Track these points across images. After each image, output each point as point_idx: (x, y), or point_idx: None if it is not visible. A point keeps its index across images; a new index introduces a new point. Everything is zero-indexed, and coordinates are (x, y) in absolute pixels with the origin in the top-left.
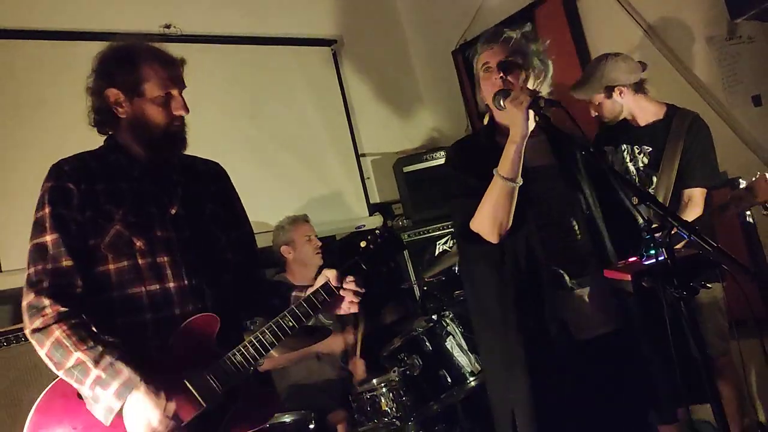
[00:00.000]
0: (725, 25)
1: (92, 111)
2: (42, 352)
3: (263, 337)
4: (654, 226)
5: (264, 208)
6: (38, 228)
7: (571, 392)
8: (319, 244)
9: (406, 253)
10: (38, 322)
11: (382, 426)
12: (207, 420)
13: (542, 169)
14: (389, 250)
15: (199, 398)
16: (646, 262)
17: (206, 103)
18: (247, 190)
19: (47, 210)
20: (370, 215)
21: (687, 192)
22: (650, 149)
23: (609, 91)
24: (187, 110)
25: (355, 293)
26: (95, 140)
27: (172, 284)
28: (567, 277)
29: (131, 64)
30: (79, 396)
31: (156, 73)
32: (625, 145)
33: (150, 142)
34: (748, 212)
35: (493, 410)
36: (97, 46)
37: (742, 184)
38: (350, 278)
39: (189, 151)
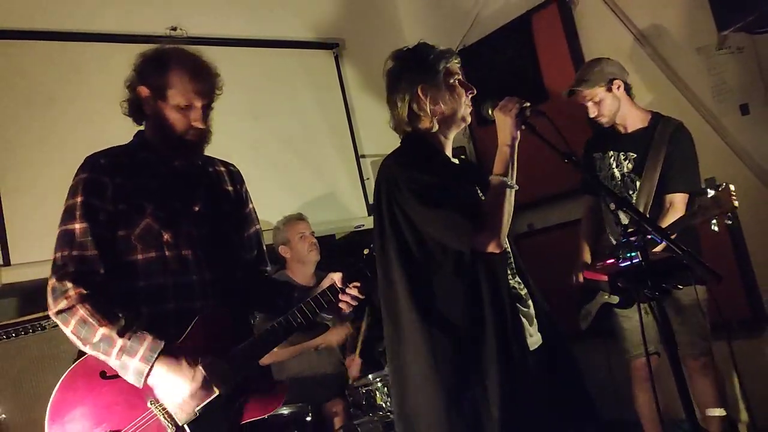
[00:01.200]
0: (715, 35)
1: (126, 102)
2: (68, 331)
3: (274, 331)
4: (630, 230)
5: (265, 207)
6: (68, 215)
7: (538, 392)
8: (314, 240)
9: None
10: (63, 304)
11: (377, 419)
12: (220, 406)
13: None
14: None
15: (214, 386)
16: (623, 264)
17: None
18: (249, 189)
19: (79, 199)
20: (369, 215)
21: (668, 197)
22: (635, 155)
23: (610, 83)
24: (204, 123)
25: (355, 298)
26: (104, 137)
27: (195, 277)
28: (517, 286)
29: (163, 68)
30: (101, 375)
31: (182, 82)
32: (612, 152)
33: (168, 143)
34: (714, 221)
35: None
36: (105, 47)
37: (710, 193)
38: (355, 283)
39: None
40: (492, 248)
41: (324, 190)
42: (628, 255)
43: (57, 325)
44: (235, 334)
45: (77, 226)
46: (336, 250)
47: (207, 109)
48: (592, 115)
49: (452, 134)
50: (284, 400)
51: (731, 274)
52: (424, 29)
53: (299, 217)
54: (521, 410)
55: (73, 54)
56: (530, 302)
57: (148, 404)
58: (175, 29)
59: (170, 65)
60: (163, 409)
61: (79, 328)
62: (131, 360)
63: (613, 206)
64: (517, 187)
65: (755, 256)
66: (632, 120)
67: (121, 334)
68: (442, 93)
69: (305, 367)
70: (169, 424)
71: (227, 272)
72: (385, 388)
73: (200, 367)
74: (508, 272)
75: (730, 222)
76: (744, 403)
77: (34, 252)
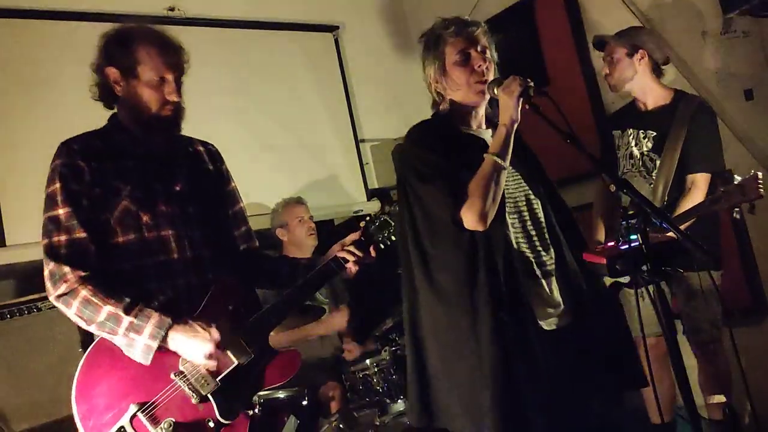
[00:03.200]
0: (720, 19)
1: (95, 86)
2: (70, 313)
3: (287, 300)
4: (630, 212)
5: (263, 191)
6: (51, 202)
7: (541, 381)
8: (312, 225)
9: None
10: (63, 288)
11: (374, 403)
12: (241, 376)
13: None
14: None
15: (232, 356)
16: (623, 247)
17: (208, 86)
18: (248, 173)
19: (58, 185)
20: (368, 200)
21: (690, 177)
22: (654, 134)
23: (633, 49)
24: (178, 96)
25: (356, 256)
26: (99, 117)
27: (175, 256)
28: (535, 265)
29: (129, 45)
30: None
31: (151, 57)
32: (631, 130)
33: (142, 122)
34: (737, 209)
35: (444, 401)
36: (101, 27)
37: (737, 179)
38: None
39: (193, 133)
40: (474, 225)
41: (323, 175)
42: (629, 237)
43: (53, 307)
44: (245, 305)
45: (61, 211)
46: (335, 236)
47: (179, 82)
48: (603, 72)
49: (475, 108)
50: (299, 364)
51: (733, 261)
52: (426, 12)
53: (298, 201)
54: (516, 385)
55: (67, 34)
56: (550, 279)
57: (172, 376)
58: (173, 9)
59: (136, 42)
60: (187, 380)
61: (82, 309)
62: (139, 337)
63: (613, 188)
64: (510, 168)
65: (757, 244)
66: (653, 97)
67: (127, 312)
68: (445, 77)
69: (302, 351)
70: (193, 395)
71: (216, 250)
72: (382, 373)
73: (214, 328)
74: (537, 245)
75: (751, 212)
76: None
77: (30, 233)
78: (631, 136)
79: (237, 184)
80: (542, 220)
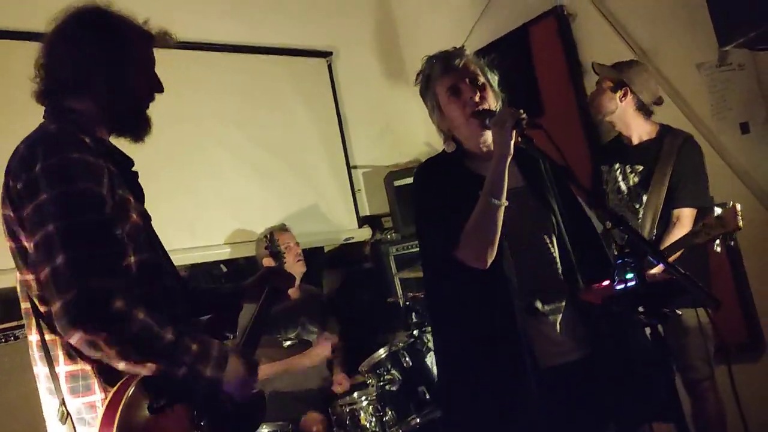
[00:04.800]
0: (716, 51)
1: None
2: (119, 340)
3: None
4: (626, 250)
5: (254, 216)
6: (74, 204)
7: (537, 419)
8: (299, 251)
9: (393, 267)
10: (114, 309)
11: None
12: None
13: (512, 191)
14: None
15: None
16: (618, 287)
17: (200, 110)
18: (238, 198)
19: (84, 185)
20: (360, 227)
21: (675, 212)
22: (641, 168)
23: (618, 85)
24: None
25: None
26: None
27: (170, 282)
28: (540, 303)
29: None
30: (150, 408)
31: None
32: (618, 164)
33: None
34: (717, 241)
35: None
36: None
37: (717, 211)
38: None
39: (184, 157)
40: (474, 263)
41: (314, 201)
42: (624, 277)
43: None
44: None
45: (94, 217)
46: (325, 263)
47: None
48: (589, 97)
49: (482, 143)
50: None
51: (729, 296)
52: (420, 39)
53: (282, 228)
54: (512, 423)
55: None
56: (557, 316)
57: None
58: (166, 33)
59: None
60: None
61: (140, 335)
62: (205, 368)
63: (609, 224)
64: (506, 203)
65: (753, 279)
66: (638, 131)
67: (191, 340)
68: (443, 116)
69: (288, 383)
70: None
71: (179, 279)
72: (370, 408)
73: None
74: (545, 284)
75: (732, 243)
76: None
77: (7, 259)
78: (618, 171)
79: (228, 208)
80: (556, 257)
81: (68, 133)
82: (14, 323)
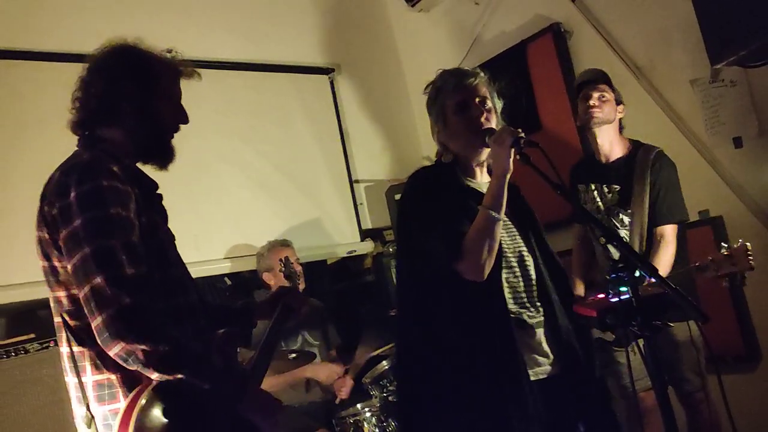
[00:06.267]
0: (708, 68)
1: None
2: (155, 351)
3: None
4: (620, 265)
5: (257, 231)
6: (103, 228)
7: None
8: (300, 268)
9: (395, 279)
10: (147, 327)
11: None
12: None
13: None
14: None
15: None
16: (612, 300)
17: (204, 126)
18: (241, 213)
19: (114, 209)
20: (362, 241)
21: (658, 230)
22: (618, 188)
23: (618, 101)
24: None
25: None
26: None
27: (193, 297)
28: (526, 316)
29: None
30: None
31: None
32: (594, 184)
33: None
34: (726, 278)
35: None
36: None
37: (724, 249)
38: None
39: (188, 174)
40: (471, 276)
41: (317, 215)
42: (619, 290)
43: (42, 348)
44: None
45: (121, 241)
46: (327, 276)
47: None
48: (591, 103)
49: (477, 159)
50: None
51: (726, 310)
52: (421, 56)
53: (284, 243)
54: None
55: (66, 75)
56: (539, 330)
57: None
58: (170, 51)
59: None
60: None
61: (175, 350)
62: (226, 385)
63: (603, 240)
64: (505, 218)
65: (749, 292)
66: (614, 149)
67: (219, 355)
68: (446, 127)
69: (291, 396)
70: None
71: (200, 294)
72: (374, 419)
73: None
74: (525, 302)
75: (743, 282)
76: None
77: (21, 273)
78: (596, 191)
79: (232, 223)
80: (533, 276)
81: (99, 161)
82: (25, 337)
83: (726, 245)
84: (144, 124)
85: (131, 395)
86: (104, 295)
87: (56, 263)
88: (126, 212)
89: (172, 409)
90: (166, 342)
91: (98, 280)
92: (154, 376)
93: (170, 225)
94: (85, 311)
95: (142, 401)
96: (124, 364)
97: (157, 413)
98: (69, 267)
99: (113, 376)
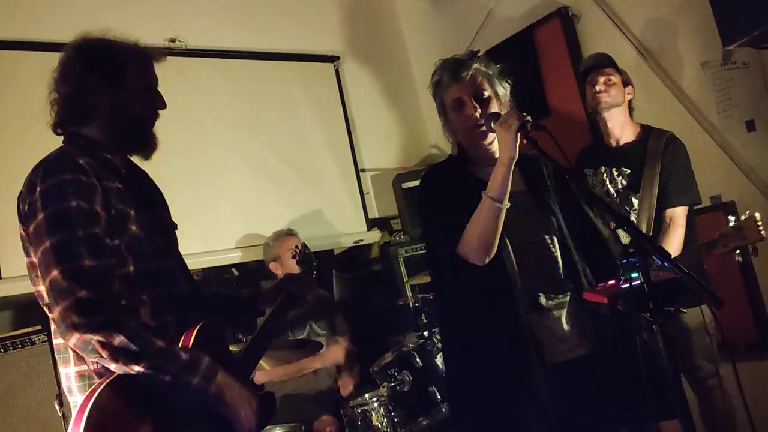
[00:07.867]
0: (720, 50)
1: None
2: (109, 344)
3: (264, 333)
4: (630, 250)
5: (263, 220)
6: (64, 221)
7: (546, 416)
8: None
9: (402, 268)
10: (101, 318)
11: None
12: None
13: (515, 194)
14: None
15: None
16: (623, 286)
17: (209, 115)
18: (247, 203)
19: (75, 203)
20: (369, 230)
21: (668, 212)
22: (628, 171)
23: (626, 83)
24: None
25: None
26: None
27: (180, 287)
28: (544, 299)
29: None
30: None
31: None
32: (603, 167)
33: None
34: (738, 251)
35: None
36: None
37: (731, 222)
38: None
39: (193, 164)
40: (475, 261)
41: (322, 205)
42: (630, 276)
43: (47, 340)
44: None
45: (82, 232)
46: (334, 266)
47: None
48: (597, 89)
49: (480, 148)
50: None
51: (739, 296)
52: (427, 42)
53: (289, 233)
54: (520, 419)
55: None
56: (559, 312)
57: None
58: (174, 41)
59: None
60: None
61: (128, 343)
62: (193, 378)
63: (613, 225)
64: (508, 205)
65: (763, 278)
66: (624, 133)
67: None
68: (448, 121)
69: (299, 384)
70: None
71: (190, 284)
72: (381, 408)
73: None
74: (547, 285)
75: (753, 255)
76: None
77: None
78: (605, 174)
79: (239, 213)
80: (558, 259)
81: (65, 156)
82: (30, 329)
83: (734, 218)
84: (117, 117)
85: (89, 390)
86: (61, 287)
87: (34, 258)
88: (89, 205)
89: (127, 403)
90: (123, 334)
91: (55, 272)
92: (113, 367)
93: (175, 215)
94: (50, 303)
95: (95, 396)
96: (84, 355)
97: (111, 407)
98: (35, 261)
99: (93, 368)
